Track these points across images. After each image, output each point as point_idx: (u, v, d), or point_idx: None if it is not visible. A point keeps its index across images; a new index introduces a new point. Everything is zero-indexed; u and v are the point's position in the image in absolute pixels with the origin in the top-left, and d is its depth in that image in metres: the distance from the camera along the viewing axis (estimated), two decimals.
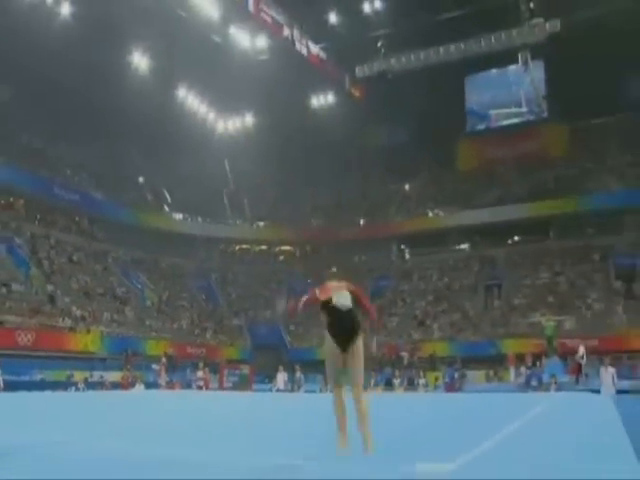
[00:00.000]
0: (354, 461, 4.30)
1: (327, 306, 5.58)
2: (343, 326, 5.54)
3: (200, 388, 22.30)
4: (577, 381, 20.95)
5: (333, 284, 5.75)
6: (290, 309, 6.25)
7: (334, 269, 6.23)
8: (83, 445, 5.21)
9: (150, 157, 44.98)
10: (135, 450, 4.91)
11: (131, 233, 40.39)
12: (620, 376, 18.62)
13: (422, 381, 24.36)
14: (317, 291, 5.70)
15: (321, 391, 23.07)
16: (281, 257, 49.70)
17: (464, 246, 46.00)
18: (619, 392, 15.93)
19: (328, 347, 5.55)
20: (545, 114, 44.67)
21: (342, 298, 5.59)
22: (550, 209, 40.57)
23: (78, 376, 23.96)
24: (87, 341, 29.41)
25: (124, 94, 36.67)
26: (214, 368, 27.56)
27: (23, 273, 31.65)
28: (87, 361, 27.35)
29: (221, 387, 25.42)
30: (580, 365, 21.80)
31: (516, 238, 44.49)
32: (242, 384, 25.46)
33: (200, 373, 22.98)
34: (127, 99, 37.24)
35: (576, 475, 3.80)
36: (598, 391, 15.68)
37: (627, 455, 4.48)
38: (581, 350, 22.05)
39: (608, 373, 16.92)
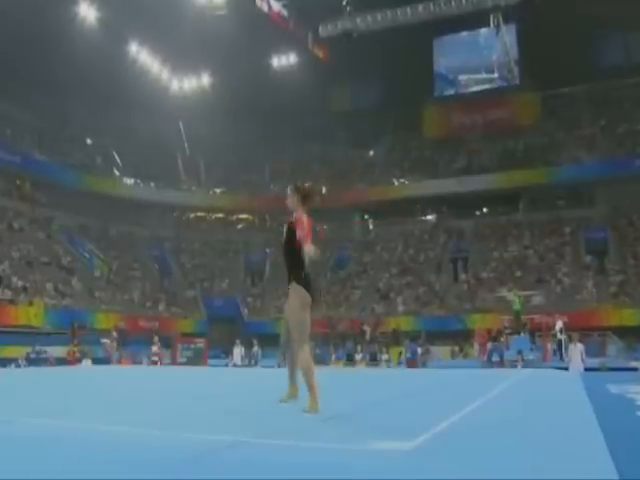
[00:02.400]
0: (304, 438, 4.28)
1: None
2: (285, 265, 5.75)
3: (155, 363, 22.20)
4: (562, 358, 21.31)
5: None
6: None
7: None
8: (23, 423, 5.10)
9: (99, 117, 44.03)
10: (80, 428, 4.82)
11: (78, 198, 39.68)
12: (589, 353, 18.99)
13: (385, 356, 24.63)
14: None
15: (279, 366, 23.16)
16: (239, 225, 49.47)
17: (430, 217, 46.37)
18: (587, 370, 16.22)
19: (303, 299, 5.74)
20: (517, 81, 44.85)
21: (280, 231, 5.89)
22: (520, 180, 41.01)
23: (19, 351, 23.60)
24: (29, 314, 28.91)
25: (70, 48, 35.54)
26: (167, 342, 27.46)
27: None
28: (29, 336, 26.84)
29: (174, 362, 25.35)
30: (560, 341, 22.17)
31: (484, 209, 45.00)
32: (196, 359, 25.42)
33: (154, 348, 22.85)
34: (74, 54, 36.08)
35: (539, 456, 3.83)
36: (566, 368, 15.99)
37: (592, 432, 4.54)
38: (558, 325, 22.46)
39: (577, 350, 17.24)
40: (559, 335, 22.36)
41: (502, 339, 23.13)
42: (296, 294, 5.72)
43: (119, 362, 22.97)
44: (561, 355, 21.63)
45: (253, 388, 9.81)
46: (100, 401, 7.16)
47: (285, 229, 5.79)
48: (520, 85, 44.56)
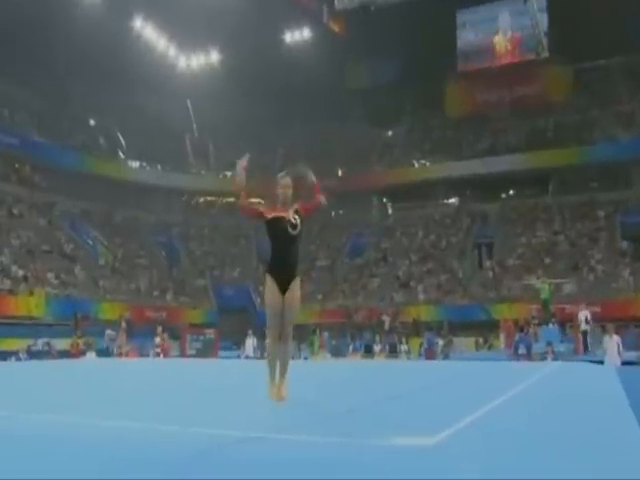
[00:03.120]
0: (318, 433, 4.23)
1: (273, 224, 5.83)
2: (288, 257, 5.82)
3: (158, 355, 22.26)
4: (586, 350, 21.11)
5: (281, 207, 5.89)
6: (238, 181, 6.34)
7: (284, 173, 6.14)
8: (23, 420, 5.08)
9: (102, 96, 44.02)
10: (82, 423, 4.80)
11: (80, 182, 39.82)
12: (626, 346, 18.72)
13: (404, 347, 24.59)
14: (263, 210, 5.95)
15: (293, 358, 23.19)
16: None
17: (453, 200, 46.16)
18: (625, 363, 15.98)
19: (270, 291, 5.82)
20: (546, 53, 44.29)
21: (292, 217, 5.83)
22: (549, 160, 40.63)
23: (19, 344, 23.74)
24: (30, 304, 29.09)
25: (71, 24, 35.65)
26: (175, 333, 27.55)
27: None
28: (30, 327, 27.03)
29: (183, 354, 25.43)
30: (585, 332, 21.96)
31: (511, 192, 44.73)
32: (206, 351, 25.47)
33: (158, 339, 22.92)
34: (75, 30, 36.18)
35: (570, 453, 3.75)
36: (601, 362, 15.78)
37: (629, 429, 4.46)
38: (582, 314, 22.22)
39: (613, 342, 16.94)
40: (584, 326, 22.12)
41: (530, 330, 22.96)
42: (299, 286, 5.96)
43: (120, 355, 23.01)
44: (586, 347, 21.43)
45: (266, 381, 9.79)
46: (104, 395, 7.15)
47: (298, 219, 5.87)
48: (550, 58, 44.02)
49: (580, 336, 22.77)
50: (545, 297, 25.70)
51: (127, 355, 23.04)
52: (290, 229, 5.80)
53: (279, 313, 5.82)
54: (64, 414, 5.32)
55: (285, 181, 5.97)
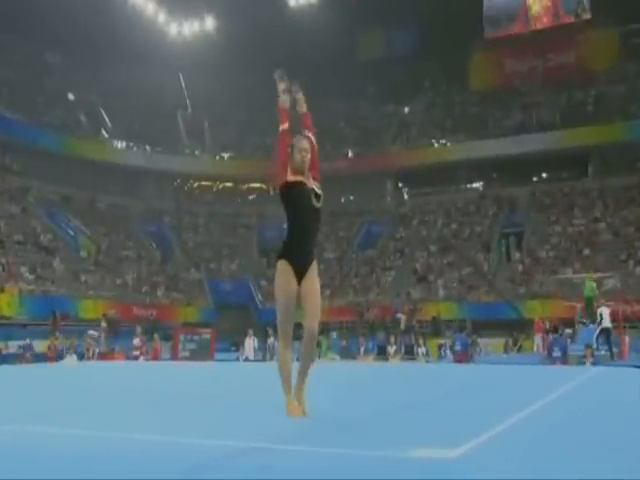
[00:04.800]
0: (329, 444, 4.19)
1: (296, 190, 5.40)
2: (309, 235, 5.48)
3: (136, 358, 22.32)
4: (612, 356, 21.05)
5: (300, 176, 5.45)
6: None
7: (300, 135, 5.70)
8: None
9: (83, 68, 44.09)
10: (63, 435, 4.78)
11: (59, 165, 39.94)
12: None
13: (422, 349, 24.55)
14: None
15: (298, 360, 23.20)
16: (250, 196, 49.53)
17: (477, 185, 46.15)
18: None
19: (284, 278, 5.38)
20: (588, 15, 43.87)
21: (315, 187, 5.45)
22: (589, 138, 40.50)
23: None
24: (1, 302, 29.16)
25: None
26: (166, 333, 27.57)
27: None
28: (1, 328, 27.07)
29: (175, 357, 25.44)
30: (608, 331, 21.82)
31: (543, 175, 44.70)
32: (202, 352, 25.47)
33: (137, 340, 22.98)
34: None
35: (612, 470, 3.69)
36: None
37: None
38: (605, 311, 22.11)
39: None
40: (606, 324, 22.00)
41: (570, 330, 22.94)
42: (316, 271, 5.54)
43: (90, 358, 23.00)
44: (611, 351, 21.30)
45: (269, 386, 9.75)
46: (88, 403, 7.10)
47: (317, 185, 5.50)
48: (592, 20, 43.63)
49: (627, 338, 22.71)
50: (589, 295, 25.44)
51: (106, 357, 23.08)
52: (314, 200, 5.41)
53: (293, 306, 5.41)
54: (41, 425, 5.29)
55: (303, 144, 5.56)
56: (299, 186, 5.37)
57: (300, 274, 5.37)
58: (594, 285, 25.60)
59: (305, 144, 5.52)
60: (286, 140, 5.54)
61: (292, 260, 5.37)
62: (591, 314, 24.81)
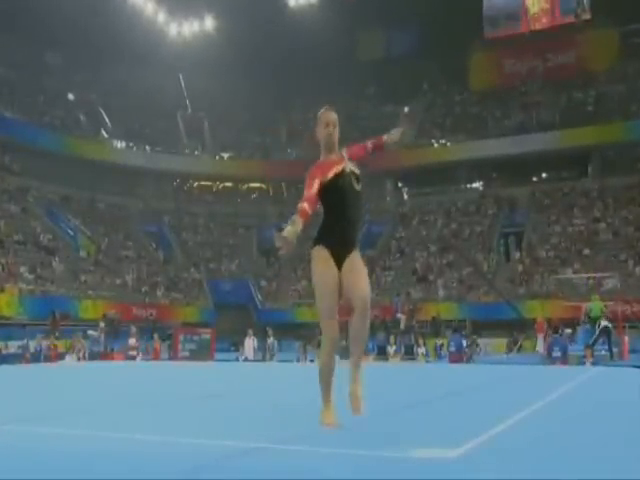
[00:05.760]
0: (330, 444, 4.18)
1: (332, 185, 4.77)
2: (349, 220, 4.85)
3: (133, 358, 22.36)
4: (612, 356, 21.03)
5: (333, 157, 4.94)
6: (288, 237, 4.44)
7: (327, 107, 5.11)
8: None
9: (82, 68, 44.07)
10: (64, 435, 4.78)
11: (58, 165, 39.85)
12: None
13: (422, 349, 24.56)
14: (315, 179, 4.76)
15: (298, 361, 23.23)
16: (250, 196, 49.51)
17: (476, 185, 46.12)
18: None
19: (323, 265, 4.78)
20: (588, 15, 43.99)
21: (352, 167, 4.93)
22: (589, 138, 40.41)
23: None
24: (0, 302, 29.15)
25: None
26: (165, 333, 27.56)
27: None
28: (1, 328, 27.06)
29: (175, 357, 25.44)
30: (607, 329, 21.76)
31: (543, 175, 44.66)
32: (201, 352, 25.47)
33: (132, 340, 23.03)
34: None
35: (613, 473, 3.69)
36: None
37: None
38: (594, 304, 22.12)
39: None
40: (604, 322, 21.97)
41: (569, 330, 22.92)
42: (360, 258, 4.97)
43: (81, 358, 22.99)
44: (610, 351, 21.27)
45: (269, 386, 9.79)
46: (87, 403, 7.11)
47: (352, 162, 4.98)
48: (592, 20, 43.69)
49: (626, 338, 22.69)
50: (595, 316, 25.21)
51: (107, 358, 23.12)
52: (355, 183, 4.88)
53: (336, 297, 4.80)
54: (41, 425, 5.29)
55: (331, 116, 5.00)
56: (337, 179, 4.81)
57: (341, 261, 4.81)
58: (602, 306, 25.28)
59: (332, 116, 4.99)
60: (314, 205, 4.77)
61: (331, 247, 4.80)
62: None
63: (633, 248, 35.68)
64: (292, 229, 4.47)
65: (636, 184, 39.16)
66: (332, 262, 4.76)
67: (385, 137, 5.30)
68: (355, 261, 4.83)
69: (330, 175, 4.76)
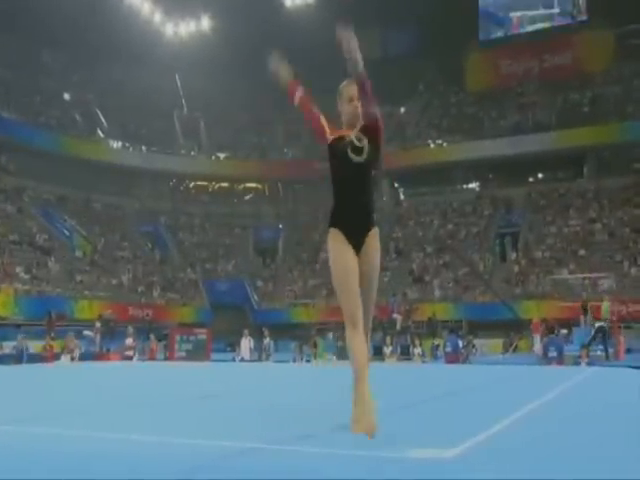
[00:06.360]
0: (327, 445, 4.17)
1: (331, 150, 4.55)
2: (353, 196, 4.49)
3: (130, 358, 22.36)
4: (607, 356, 21.08)
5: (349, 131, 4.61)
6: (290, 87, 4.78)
7: (347, 81, 4.78)
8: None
9: (79, 67, 44.01)
10: (60, 435, 4.76)
11: (54, 165, 39.79)
12: None
13: (418, 350, 24.60)
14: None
15: (294, 361, 23.24)
16: (246, 196, 49.50)
17: (473, 185, 46.17)
18: None
19: (339, 249, 4.47)
20: (584, 16, 44.09)
21: (356, 138, 4.52)
22: (585, 139, 40.45)
23: None
24: None
25: None
26: (161, 333, 27.54)
27: None
28: None
29: (171, 357, 25.44)
30: (602, 330, 21.81)
31: (539, 176, 44.70)
32: (197, 353, 25.48)
33: (129, 340, 23.03)
34: None
35: (610, 472, 3.69)
36: None
37: None
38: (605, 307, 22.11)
39: None
40: (600, 322, 22.03)
41: (564, 330, 22.96)
42: (378, 240, 4.58)
43: (74, 359, 22.95)
44: (606, 351, 21.31)
45: (265, 387, 9.77)
46: (84, 404, 7.09)
47: (365, 140, 4.55)
48: (588, 22, 43.79)
49: (622, 338, 22.70)
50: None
51: (103, 358, 23.12)
52: (351, 153, 4.47)
53: (355, 279, 4.45)
54: (38, 425, 5.27)
55: (351, 90, 4.67)
56: (336, 144, 4.54)
57: (357, 242, 4.48)
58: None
59: (353, 89, 4.63)
60: (307, 106, 4.77)
61: (343, 228, 4.47)
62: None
63: (628, 249, 35.71)
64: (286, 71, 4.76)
65: (631, 185, 39.20)
66: (347, 244, 4.44)
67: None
68: (368, 256, 4.50)
69: (332, 137, 4.59)
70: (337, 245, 4.45)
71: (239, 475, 3.49)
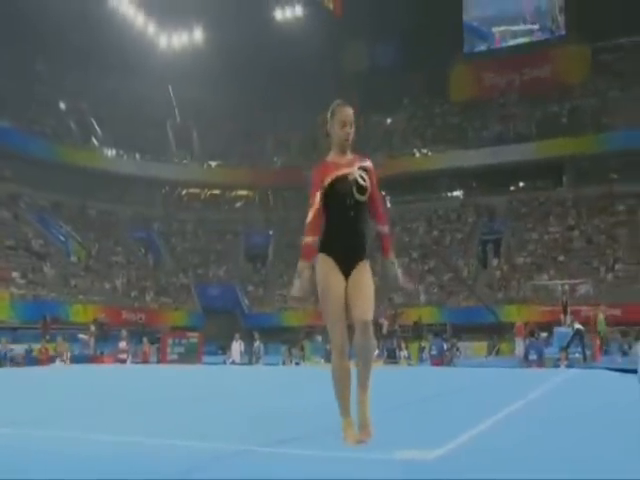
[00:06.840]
0: (317, 447, 4.18)
1: (330, 190, 4.30)
2: (350, 228, 4.34)
3: (123, 362, 22.25)
4: (585, 358, 21.15)
5: (341, 159, 4.42)
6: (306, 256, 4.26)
7: (340, 101, 4.54)
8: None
9: (74, 77, 43.87)
10: (55, 437, 4.76)
11: (50, 172, 39.57)
12: None
13: (404, 353, 24.58)
14: (316, 186, 4.33)
15: (284, 364, 23.20)
16: (237, 203, 49.44)
17: (457, 193, 46.23)
18: None
19: (327, 273, 4.29)
20: (562, 32, 44.44)
21: (360, 176, 4.35)
22: (564, 149, 40.58)
23: None
24: None
25: None
26: (154, 337, 27.46)
27: None
28: None
29: (163, 360, 25.36)
30: (579, 332, 21.90)
31: (520, 184, 44.77)
32: (189, 356, 25.40)
33: (123, 343, 22.94)
34: (44, 3, 36.04)
35: (587, 472, 3.71)
36: (633, 371, 15.62)
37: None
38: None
39: None
40: (577, 325, 22.13)
41: (545, 334, 23.00)
42: (369, 270, 4.46)
43: (66, 362, 22.86)
44: (584, 353, 21.40)
45: (255, 389, 9.76)
46: (79, 406, 7.08)
47: (367, 178, 4.40)
48: (566, 37, 44.12)
49: (598, 341, 22.76)
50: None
51: (97, 361, 23.03)
52: (357, 193, 4.32)
53: (342, 304, 4.29)
54: (36, 428, 5.26)
55: (349, 113, 4.44)
56: (337, 182, 4.31)
57: (346, 269, 4.35)
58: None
59: (350, 113, 4.43)
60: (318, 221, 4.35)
61: (335, 256, 4.32)
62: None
63: (605, 255, 35.93)
64: (299, 284, 4.24)
65: (608, 194, 39.38)
66: (336, 270, 4.30)
67: (389, 256, 4.71)
68: (360, 276, 4.36)
69: (328, 180, 4.29)
70: (326, 268, 4.31)
71: (231, 476, 3.49)
